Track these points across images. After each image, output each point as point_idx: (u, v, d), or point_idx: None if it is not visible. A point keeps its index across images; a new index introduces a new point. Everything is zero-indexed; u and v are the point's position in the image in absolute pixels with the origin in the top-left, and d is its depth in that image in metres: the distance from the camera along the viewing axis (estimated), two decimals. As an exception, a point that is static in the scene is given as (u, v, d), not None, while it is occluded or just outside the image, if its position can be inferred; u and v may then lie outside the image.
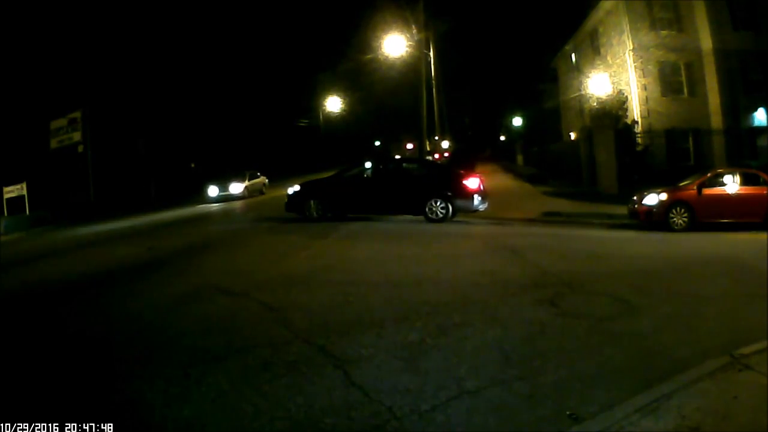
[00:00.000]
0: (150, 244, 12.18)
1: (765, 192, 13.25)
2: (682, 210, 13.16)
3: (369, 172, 14.81)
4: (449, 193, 13.52)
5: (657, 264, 8.80)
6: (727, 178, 13.70)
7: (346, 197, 14.30)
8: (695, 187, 13.40)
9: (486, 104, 70.40)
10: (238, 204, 23.99)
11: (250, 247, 11.09)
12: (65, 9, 28.41)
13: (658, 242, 11.45)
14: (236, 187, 26.02)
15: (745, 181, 13.52)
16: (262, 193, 28.11)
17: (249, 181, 27.45)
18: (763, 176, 13.57)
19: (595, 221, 14.92)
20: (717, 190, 13.45)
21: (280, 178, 36.10)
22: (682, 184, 14.15)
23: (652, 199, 13.53)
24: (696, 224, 12.98)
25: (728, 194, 13.38)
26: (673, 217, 13.17)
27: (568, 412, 3.55)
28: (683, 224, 13.07)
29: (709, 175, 14.08)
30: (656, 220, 13.26)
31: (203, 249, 11.01)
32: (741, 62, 23.66)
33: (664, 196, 13.41)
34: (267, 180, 30.00)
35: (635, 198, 14.20)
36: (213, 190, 25.95)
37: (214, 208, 22.73)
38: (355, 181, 14.62)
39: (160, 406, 3.76)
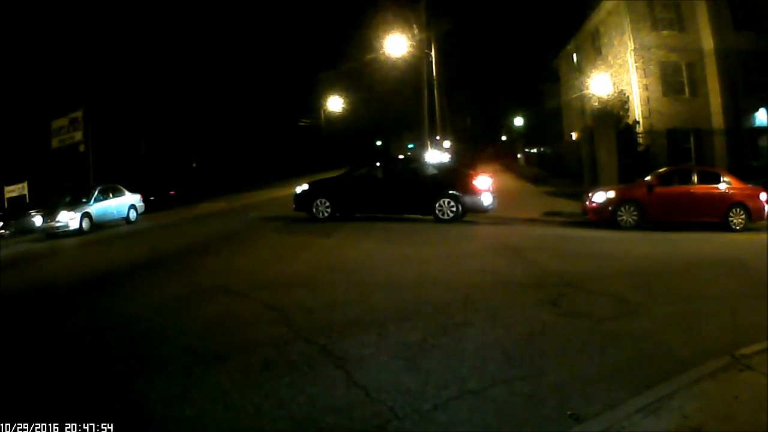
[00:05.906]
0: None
1: (725, 191, 12.79)
2: (631, 208, 12.81)
3: (378, 171, 14.60)
4: (459, 193, 13.35)
5: (658, 264, 8.80)
6: (682, 177, 13.27)
7: (355, 197, 14.16)
8: (645, 186, 13.13)
9: (487, 104, 70.25)
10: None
11: (255, 246, 11.08)
12: (67, 8, 28.43)
13: (657, 242, 11.43)
14: (68, 217, 16.91)
15: (702, 180, 13.10)
16: (128, 221, 19.28)
17: (95, 203, 18.10)
18: (726, 175, 13.15)
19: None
20: (670, 189, 13.06)
21: (280, 178, 36.13)
22: (638, 181, 13.80)
23: (600, 197, 13.27)
24: (646, 223, 12.66)
25: (683, 193, 12.96)
26: (621, 215, 12.86)
27: (569, 412, 3.55)
28: (632, 222, 12.76)
29: (660, 172, 13.63)
30: (605, 217, 13.00)
31: (206, 247, 11.02)
32: (742, 62, 23.60)
33: (611, 194, 13.16)
34: (139, 199, 20.41)
35: (589, 194, 13.89)
36: (38, 220, 17.89)
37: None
38: (364, 181, 14.45)
39: (161, 406, 3.77)
